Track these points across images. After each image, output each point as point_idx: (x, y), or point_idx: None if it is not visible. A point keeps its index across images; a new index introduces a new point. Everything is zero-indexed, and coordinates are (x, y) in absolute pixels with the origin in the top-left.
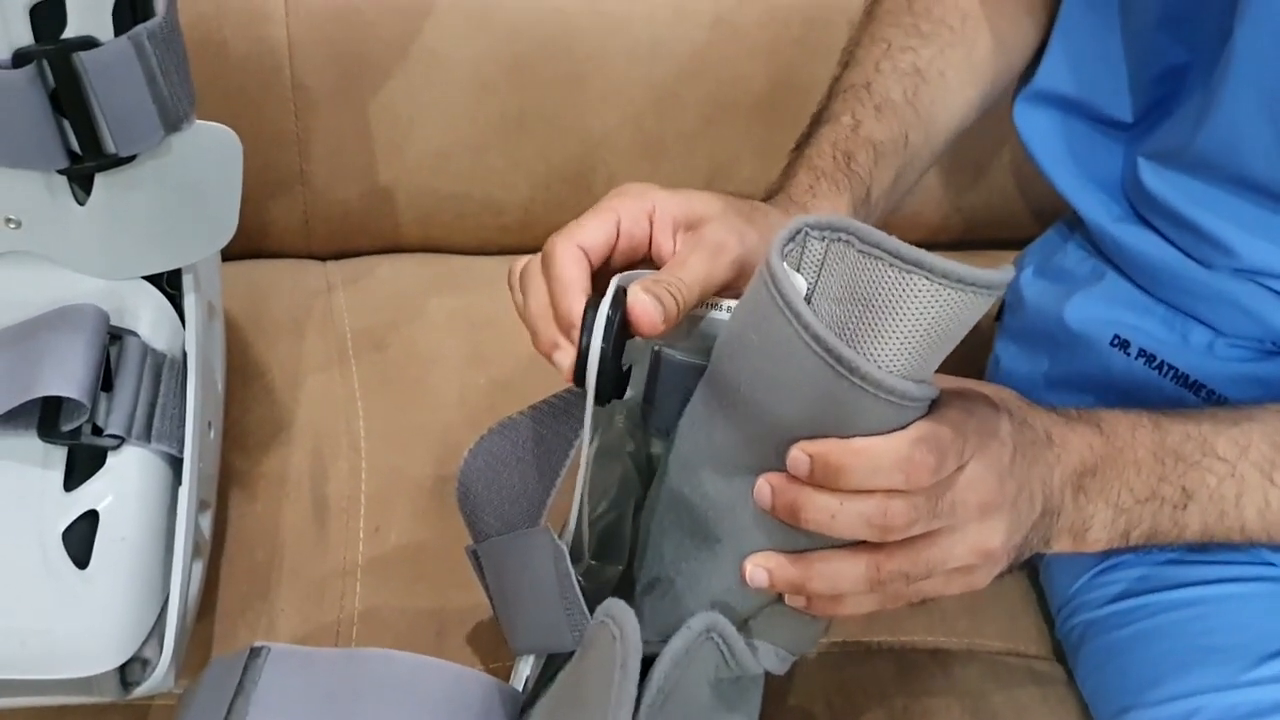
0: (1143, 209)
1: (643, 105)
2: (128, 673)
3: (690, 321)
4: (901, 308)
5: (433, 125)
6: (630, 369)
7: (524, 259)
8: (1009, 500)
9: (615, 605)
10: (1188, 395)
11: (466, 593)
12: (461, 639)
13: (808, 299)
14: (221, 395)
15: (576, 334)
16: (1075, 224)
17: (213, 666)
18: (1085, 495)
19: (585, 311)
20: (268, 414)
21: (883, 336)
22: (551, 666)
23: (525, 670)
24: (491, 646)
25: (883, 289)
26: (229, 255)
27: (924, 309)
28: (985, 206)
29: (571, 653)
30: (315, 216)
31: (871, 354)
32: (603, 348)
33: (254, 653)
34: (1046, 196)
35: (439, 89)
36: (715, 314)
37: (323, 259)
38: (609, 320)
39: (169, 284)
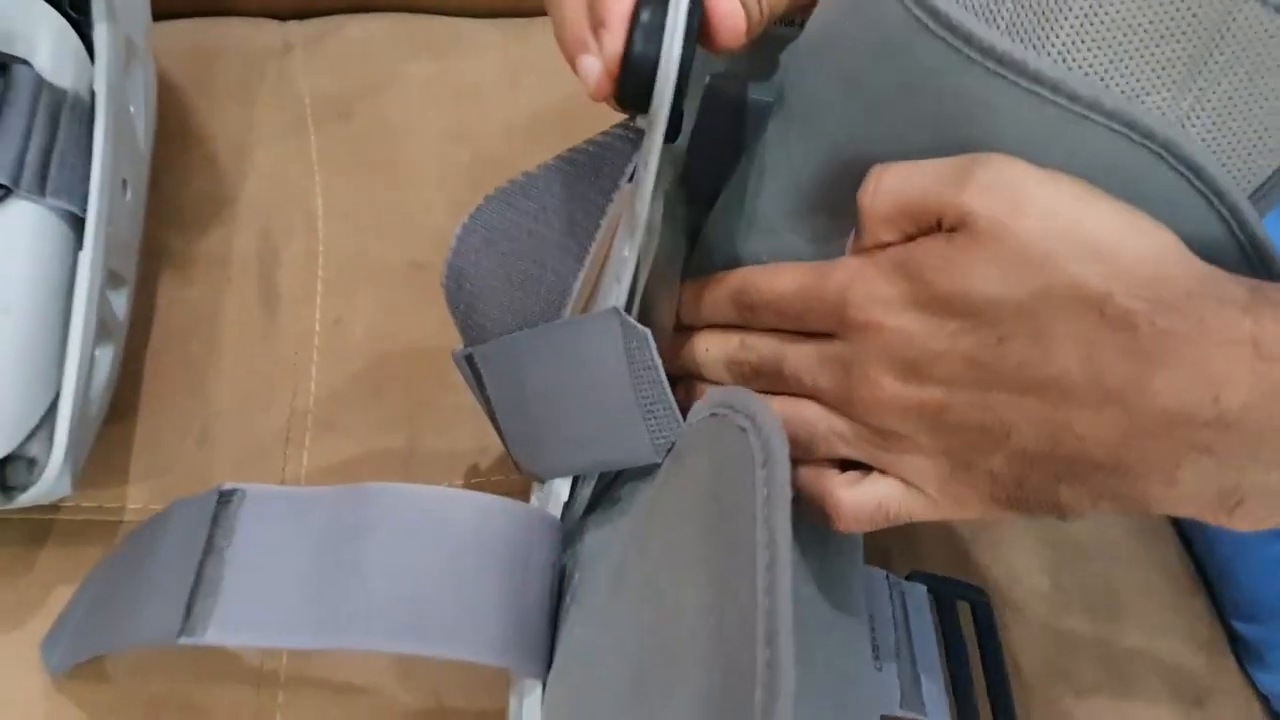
0: None
1: None
2: (9, 474)
3: (757, 42)
4: None
5: None
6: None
7: None
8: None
9: (735, 395)
10: None
11: (443, 393)
12: (437, 449)
13: None
14: (146, 154)
15: (618, 32)
16: None
17: (173, 511)
18: (1213, 456)
19: (640, 4)
20: (209, 188)
21: (1050, 18)
22: (599, 486)
23: (562, 493)
24: (475, 456)
25: None
26: (174, 12)
27: None
28: None
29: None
30: None
31: (1036, 40)
32: (681, 53)
33: (223, 498)
34: None
35: None
36: (789, 32)
37: (282, 18)
38: (689, 14)
39: (73, 8)
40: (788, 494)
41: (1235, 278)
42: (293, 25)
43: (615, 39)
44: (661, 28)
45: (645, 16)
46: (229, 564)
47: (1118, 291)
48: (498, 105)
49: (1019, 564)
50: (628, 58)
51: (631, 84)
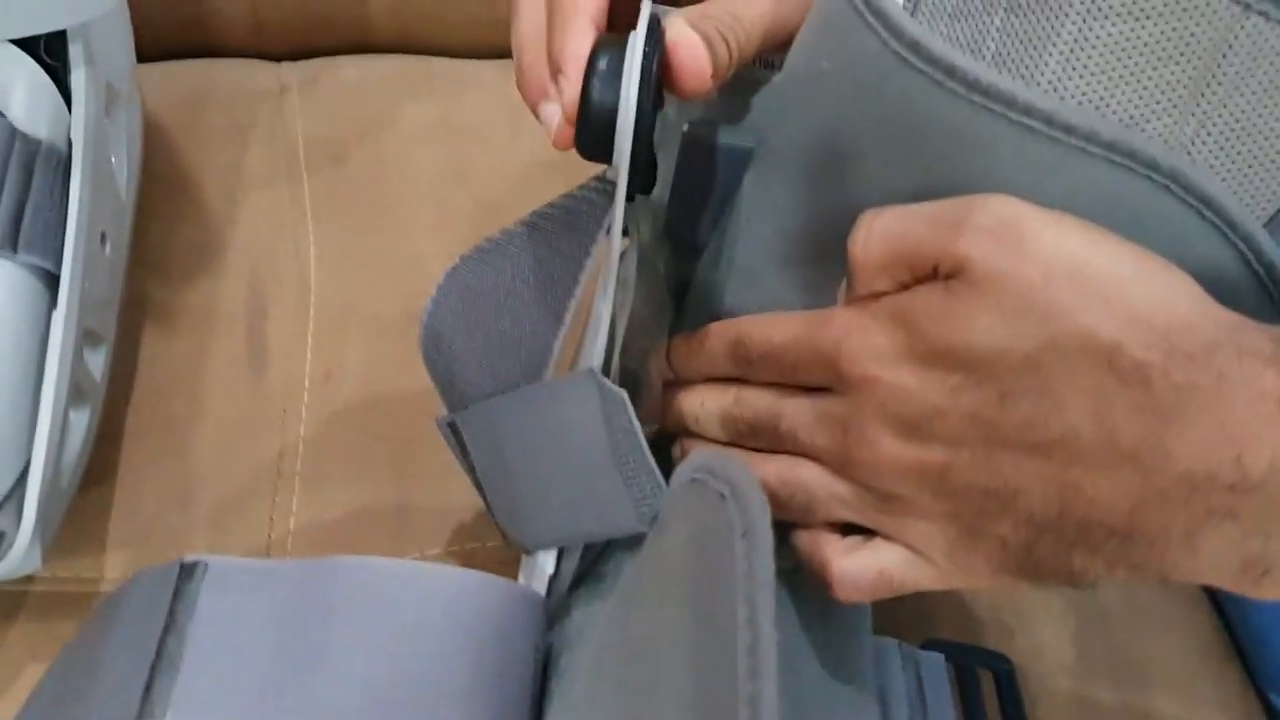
0: None
1: None
2: None
3: (736, 86)
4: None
5: None
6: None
7: None
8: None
9: (714, 459)
10: None
11: (436, 451)
12: (429, 509)
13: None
14: (128, 205)
15: (575, 79)
16: None
17: (135, 583)
18: (1236, 522)
19: (597, 52)
20: (196, 235)
21: (1037, 46)
22: (586, 559)
23: (547, 566)
24: (467, 516)
25: None
26: (162, 54)
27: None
28: None
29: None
30: (266, 4)
31: (1025, 70)
32: (639, 98)
33: (185, 570)
34: None
35: None
36: (767, 74)
37: (276, 59)
38: (646, 58)
39: (48, 53)
40: (770, 568)
41: (1258, 326)
42: (287, 67)
43: (574, 86)
44: (619, 74)
45: (602, 63)
46: (190, 641)
47: (1129, 342)
48: (498, 148)
49: (1043, 631)
50: (585, 106)
51: (590, 133)
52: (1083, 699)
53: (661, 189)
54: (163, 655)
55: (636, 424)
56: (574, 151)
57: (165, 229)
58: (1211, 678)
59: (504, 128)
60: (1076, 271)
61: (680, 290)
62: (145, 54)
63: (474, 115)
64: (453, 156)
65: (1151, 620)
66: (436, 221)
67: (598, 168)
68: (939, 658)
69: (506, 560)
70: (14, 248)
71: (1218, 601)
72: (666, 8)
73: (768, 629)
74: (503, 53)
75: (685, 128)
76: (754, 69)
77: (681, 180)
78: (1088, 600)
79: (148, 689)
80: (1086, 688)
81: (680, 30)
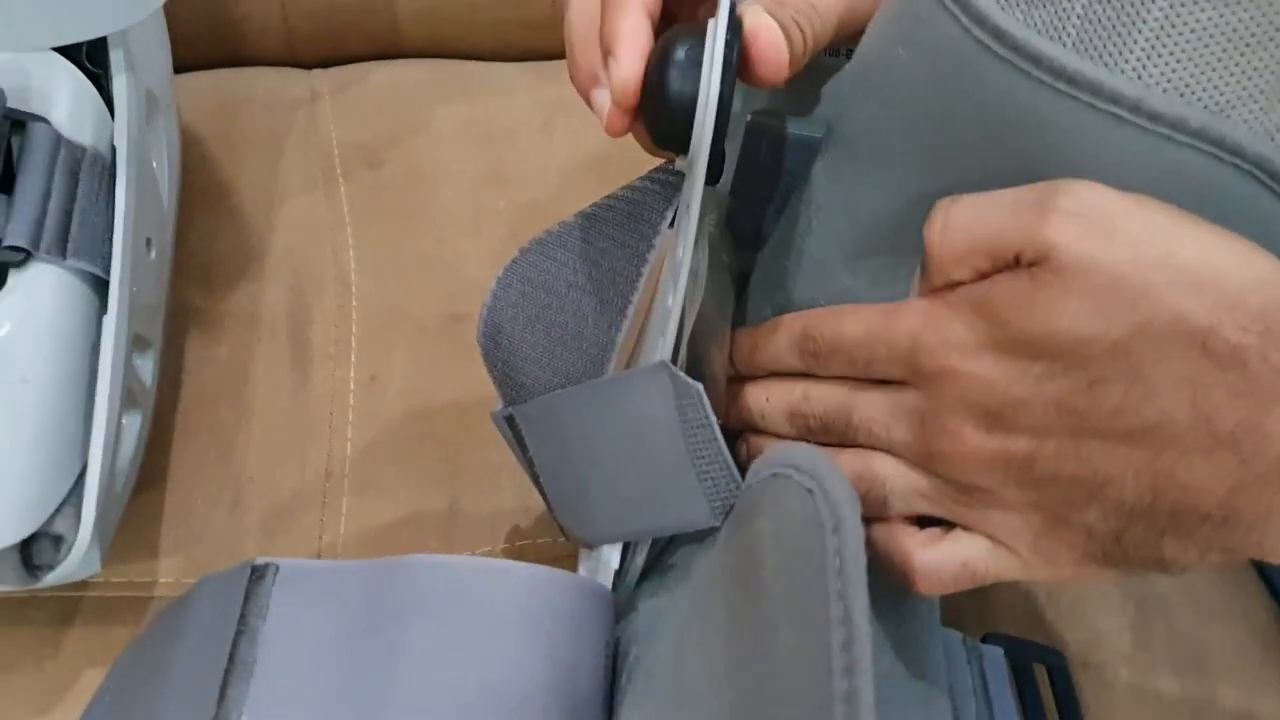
0: None
1: None
2: (35, 553)
3: (803, 75)
4: None
5: None
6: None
7: None
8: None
9: (798, 453)
10: None
11: (484, 451)
12: (479, 511)
13: None
14: (170, 211)
15: (624, 61)
16: None
17: (202, 588)
18: None
19: (675, 40)
20: (236, 242)
21: (1121, 32)
22: (653, 553)
23: (612, 561)
24: (518, 517)
25: None
26: (195, 64)
27: None
28: None
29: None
30: (296, 13)
31: (1108, 56)
32: (721, 88)
33: (256, 574)
34: None
35: None
36: (834, 63)
37: (307, 66)
38: (727, 45)
39: (91, 61)
40: (862, 563)
41: None
42: (318, 73)
43: (622, 67)
44: (698, 63)
45: (680, 51)
46: (263, 645)
47: (1224, 325)
48: (532, 149)
49: (1101, 620)
50: (664, 95)
51: (669, 123)
52: (1143, 688)
53: (723, 180)
54: (236, 659)
55: (712, 416)
56: (609, 152)
57: (205, 237)
58: (1273, 666)
59: (537, 130)
60: (1167, 255)
61: (740, 282)
62: (179, 65)
63: (506, 118)
64: (487, 159)
65: (1209, 610)
66: (474, 224)
67: (636, 167)
68: (998, 652)
69: (559, 556)
70: (63, 253)
71: (1275, 592)
72: None
73: (862, 625)
74: (532, 55)
75: (749, 118)
76: (821, 57)
77: (745, 171)
78: (1145, 589)
79: (222, 693)
80: (1146, 676)
81: (759, 17)
